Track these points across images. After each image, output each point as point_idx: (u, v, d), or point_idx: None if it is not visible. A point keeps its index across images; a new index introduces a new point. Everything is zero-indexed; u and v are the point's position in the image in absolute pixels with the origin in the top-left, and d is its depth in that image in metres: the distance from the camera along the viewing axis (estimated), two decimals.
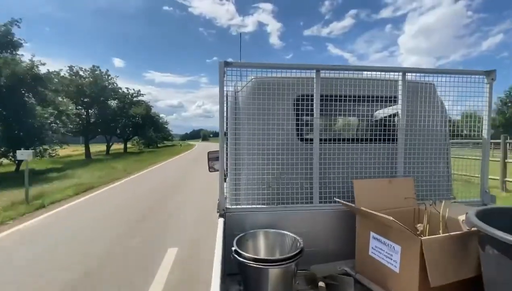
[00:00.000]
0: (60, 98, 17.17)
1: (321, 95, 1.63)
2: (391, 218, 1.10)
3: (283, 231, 1.47)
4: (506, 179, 7.28)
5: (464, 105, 1.75)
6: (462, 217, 1.25)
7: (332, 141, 1.70)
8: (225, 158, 1.70)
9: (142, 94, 33.16)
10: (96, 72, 24.86)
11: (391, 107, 1.79)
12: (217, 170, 1.99)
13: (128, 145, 37.20)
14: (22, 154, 6.55)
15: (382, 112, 1.88)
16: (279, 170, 1.66)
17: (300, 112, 1.66)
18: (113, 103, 28.11)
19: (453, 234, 1.11)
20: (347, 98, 1.66)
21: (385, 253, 1.25)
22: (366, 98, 1.70)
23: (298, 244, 1.33)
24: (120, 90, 28.82)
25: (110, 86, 26.28)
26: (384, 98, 1.72)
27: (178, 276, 3.14)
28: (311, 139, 1.68)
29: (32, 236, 4.55)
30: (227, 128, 1.70)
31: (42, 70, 13.59)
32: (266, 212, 1.59)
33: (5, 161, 13.22)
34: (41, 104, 13.34)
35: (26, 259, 3.66)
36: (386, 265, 1.24)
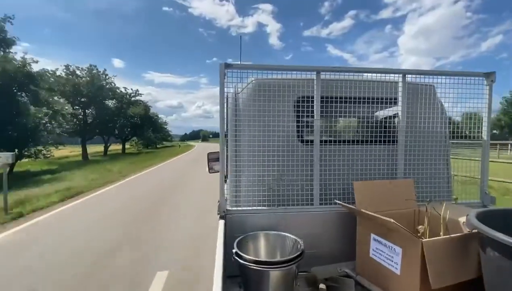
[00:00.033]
0: (56, 98, 16.82)
1: (322, 97, 1.63)
2: (392, 220, 1.09)
3: (283, 233, 1.46)
4: None
5: (464, 107, 1.76)
6: (462, 219, 1.26)
7: (332, 143, 1.70)
8: (225, 160, 1.70)
9: (140, 94, 32.78)
10: (94, 71, 24.48)
11: (391, 109, 1.79)
12: (217, 171, 1.99)
13: (127, 146, 36.93)
14: (1, 157, 6.02)
15: (382, 114, 1.88)
16: (280, 172, 1.66)
17: (300, 113, 1.66)
18: (110, 103, 27.69)
19: (454, 236, 1.11)
20: (348, 100, 1.66)
21: (386, 255, 1.25)
22: (366, 100, 1.70)
23: (299, 246, 1.33)
24: (118, 90, 28.40)
25: (107, 86, 25.87)
26: (384, 100, 1.72)
27: None
28: (312, 141, 1.68)
29: None
30: (227, 129, 1.70)
31: (35, 68, 13.33)
32: (267, 214, 1.59)
33: None
34: (34, 103, 13.03)
35: None
36: (387, 267, 1.24)
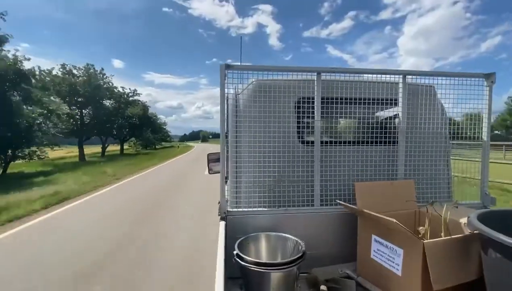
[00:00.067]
0: (53, 98, 16.40)
1: (322, 98, 1.63)
2: (394, 220, 1.09)
3: (284, 234, 1.46)
4: None
5: (464, 108, 1.76)
6: (463, 220, 1.26)
7: (333, 144, 1.71)
8: (226, 160, 1.70)
9: (139, 93, 32.12)
10: (90, 70, 23.89)
11: (391, 110, 1.79)
12: (217, 172, 1.99)
13: (125, 146, 36.69)
14: None
15: (382, 115, 1.89)
16: (280, 173, 1.66)
17: (301, 114, 1.66)
18: (108, 103, 27.13)
19: (455, 237, 1.11)
20: (348, 101, 1.66)
21: (387, 256, 1.25)
22: (366, 101, 1.70)
23: (300, 247, 1.32)
24: (115, 90, 27.82)
25: (105, 86, 25.31)
26: (384, 101, 1.72)
27: None
28: (312, 142, 1.68)
29: None
30: (227, 131, 1.69)
31: (27, 66, 12.81)
32: (267, 215, 1.58)
33: None
34: (26, 102, 12.60)
35: None
36: (388, 268, 1.24)
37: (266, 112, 1.64)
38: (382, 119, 1.89)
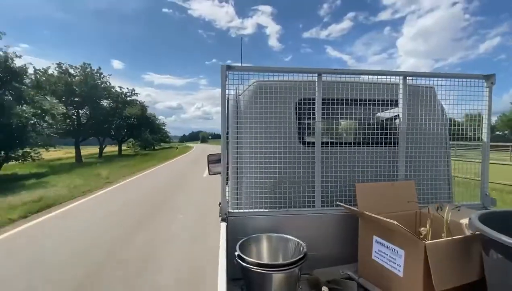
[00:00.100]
0: (48, 97, 15.94)
1: (323, 99, 1.64)
2: (395, 222, 1.10)
3: (286, 235, 1.46)
4: None
5: (464, 109, 1.76)
6: (464, 221, 1.26)
7: (333, 145, 1.71)
8: (226, 161, 1.70)
9: (137, 93, 31.31)
10: (87, 70, 23.35)
11: (392, 111, 1.80)
12: (217, 173, 1.99)
13: (124, 147, 36.41)
14: None
15: (383, 116, 1.89)
16: (281, 174, 1.66)
17: (301, 116, 1.67)
18: (105, 103, 26.54)
19: (456, 238, 1.11)
20: (349, 102, 1.66)
21: (389, 257, 1.25)
22: (367, 102, 1.71)
23: (302, 249, 1.32)
24: (113, 89, 27.11)
25: (102, 85, 24.70)
26: (385, 102, 1.73)
27: None
28: (313, 143, 1.68)
29: None
30: (228, 132, 1.69)
31: (18, 63, 12.33)
32: (268, 216, 1.58)
33: None
34: (18, 102, 12.15)
35: None
36: (389, 269, 1.24)
37: (267, 113, 1.64)
38: (383, 120, 1.89)
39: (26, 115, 11.99)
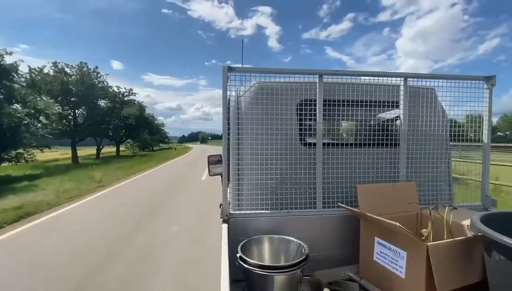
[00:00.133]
0: (43, 97, 15.61)
1: (324, 100, 1.64)
2: (398, 223, 1.10)
3: (287, 237, 1.46)
4: None
5: (464, 110, 1.77)
6: (466, 222, 1.26)
7: (335, 146, 1.71)
8: (228, 162, 1.69)
9: (134, 93, 30.85)
10: (84, 69, 22.94)
11: (393, 112, 1.80)
12: (217, 174, 1.98)
13: (122, 148, 36.08)
14: None
15: (384, 117, 1.90)
16: (282, 175, 1.65)
17: (303, 117, 1.67)
18: (102, 103, 26.14)
19: (458, 239, 1.11)
20: (350, 103, 1.67)
21: (390, 258, 1.25)
22: (368, 103, 1.71)
23: (303, 250, 1.32)
24: (110, 89, 26.73)
25: (99, 85, 24.29)
26: (386, 103, 1.73)
27: None
28: (314, 144, 1.68)
29: None
30: (229, 133, 1.69)
31: (9, 60, 11.99)
32: (270, 217, 1.58)
33: None
34: (9, 101, 11.73)
35: None
36: (391, 270, 1.24)
37: (268, 114, 1.64)
38: (384, 122, 1.90)
39: (19, 115, 11.62)
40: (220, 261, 1.11)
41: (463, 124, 1.82)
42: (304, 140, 1.73)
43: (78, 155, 23.03)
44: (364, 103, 1.71)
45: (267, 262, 1.41)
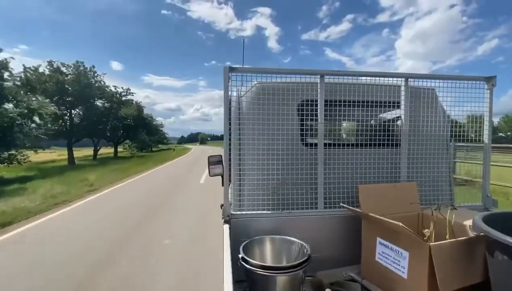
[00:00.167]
0: (39, 97, 15.16)
1: (325, 101, 1.64)
2: (400, 223, 1.10)
3: (289, 237, 1.46)
4: None
5: (465, 110, 1.78)
6: (468, 222, 1.27)
7: (336, 146, 1.71)
8: (228, 163, 1.69)
9: (132, 93, 29.95)
10: (80, 68, 22.33)
11: (394, 112, 1.81)
12: (217, 175, 1.98)
13: (120, 149, 35.73)
14: None
15: (385, 117, 1.90)
16: (283, 175, 1.65)
17: (304, 117, 1.67)
18: (100, 103, 25.49)
19: (461, 240, 1.11)
20: (351, 103, 1.67)
21: (392, 258, 1.25)
22: (369, 104, 1.72)
23: (305, 251, 1.32)
24: (107, 89, 25.93)
25: (96, 84, 23.64)
26: (387, 104, 1.74)
27: None
28: (315, 145, 1.68)
29: None
30: (230, 133, 1.69)
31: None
32: (271, 218, 1.58)
33: None
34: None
35: None
36: (393, 270, 1.24)
37: (269, 114, 1.63)
38: (385, 122, 1.90)
39: (11, 115, 11.23)
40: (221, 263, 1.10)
41: (463, 125, 1.82)
42: (305, 141, 1.73)
43: (76, 156, 22.63)
44: (365, 103, 1.71)
45: (269, 262, 1.41)
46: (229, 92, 1.55)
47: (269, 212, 1.61)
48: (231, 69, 1.54)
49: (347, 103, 1.66)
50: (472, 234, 1.18)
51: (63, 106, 21.78)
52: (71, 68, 22.13)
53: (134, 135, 33.17)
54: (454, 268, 1.07)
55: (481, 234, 1.02)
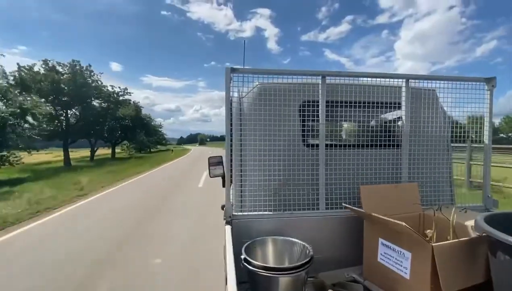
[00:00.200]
0: (34, 96, 14.76)
1: (327, 101, 1.64)
2: (404, 223, 1.10)
3: (291, 238, 1.45)
4: None
5: (465, 111, 1.79)
6: (470, 223, 1.27)
7: (337, 147, 1.71)
8: (230, 164, 1.69)
9: (130, 92, 29.44)
10: (76, 67, 21.90)
11: (395, 113, 1.81)
12: (217, 176, 1.97)
13: (118, 150, 35.35)
14: None
15: (386, 118, 1.91)
16: (285, 176, 1.65)
17: (305, 118, 1.67)
18: (96, 103, 25.09)
19: (463, 240, 1.11)
20: (352, 104, 1.67)
21: (395, 259, 1.25)
22: (370, 104, 1.72)
23: (308, 252, 1.32)
24: (104, 89, 25.51)
25: (93, 84, 23.26)
26: (388, 104, 1.74)
27: None
28: (317, 145, 1.68)
29: None
30: (232, 134, 1.69)
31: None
32: (273, 219, 1.58)
33: None
34: None
35: None
36: (396, 271, 1.24)
37: (271, 115, 1.63)
38: (386, 123, 1.91)
39: (3, 114, 10.85)
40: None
41: (464, 125, 1.83)
42: (306, 142, 1.73)
43: (73, 157, 22.23)
44: (366, 104, 1.71)
45: (271, 263, 1.41)
46: (231, 93, 1.55)
47: (271, 213, 1.60)
48: (233, 70, 1.54)
49: (348, 104, 1.66)
50: (474, 234, 1.19)
51: (59, 106, 21.34)
52: (67, 68, 21.67)
53: (132, 136, 32.73)
54: (456, 269, 1.08)
55: (483, 234, 1.03)
